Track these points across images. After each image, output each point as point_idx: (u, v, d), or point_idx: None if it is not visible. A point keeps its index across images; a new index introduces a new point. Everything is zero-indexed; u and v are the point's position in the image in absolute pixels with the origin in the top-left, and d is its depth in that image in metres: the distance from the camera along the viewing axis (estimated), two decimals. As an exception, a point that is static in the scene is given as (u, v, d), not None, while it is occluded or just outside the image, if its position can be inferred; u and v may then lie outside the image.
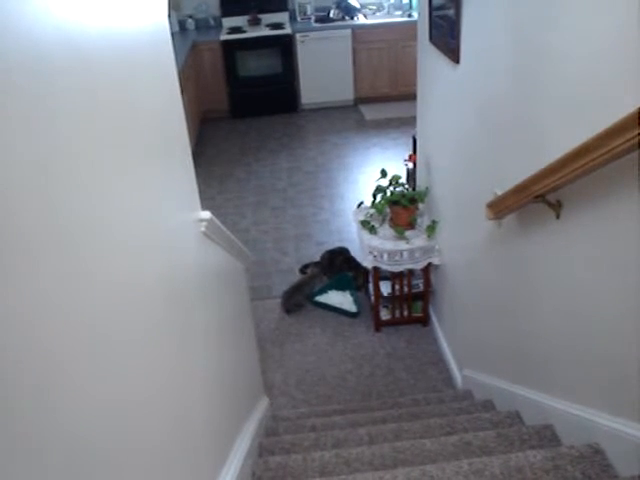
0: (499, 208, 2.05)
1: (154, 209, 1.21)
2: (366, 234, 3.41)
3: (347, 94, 7.18)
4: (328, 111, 7.17)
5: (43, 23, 0.78)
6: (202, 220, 1.65)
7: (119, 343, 0.96)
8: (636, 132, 1.20)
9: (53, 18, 0.80)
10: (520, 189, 1.83)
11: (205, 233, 1.68)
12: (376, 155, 6.01)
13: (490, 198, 2.15)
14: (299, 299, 3.98)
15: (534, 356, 2.10)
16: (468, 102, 2.50)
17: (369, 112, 7.03)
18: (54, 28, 0.81)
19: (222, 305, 2.00)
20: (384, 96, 7.14)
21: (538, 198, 1.75)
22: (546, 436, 1.88)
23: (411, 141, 4.45)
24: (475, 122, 2.43)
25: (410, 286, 3.56)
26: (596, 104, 1.46)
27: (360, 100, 7.22)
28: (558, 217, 1.74)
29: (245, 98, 7.06)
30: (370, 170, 5.59)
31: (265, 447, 2.23)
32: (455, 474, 1.64)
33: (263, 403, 2.76)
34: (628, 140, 1.23)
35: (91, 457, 0.82)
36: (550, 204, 1.74)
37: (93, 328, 0.85)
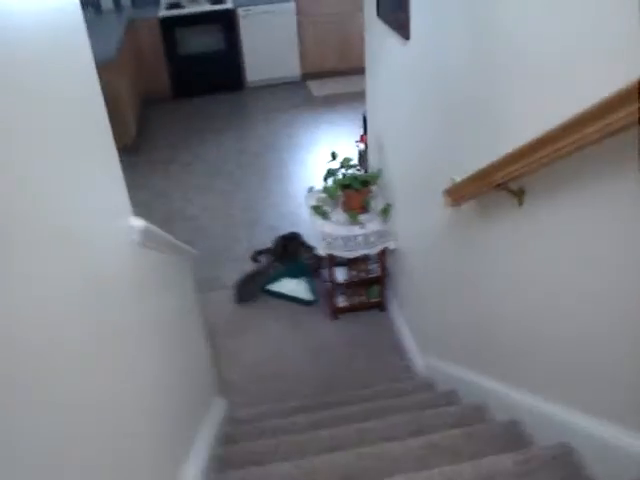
0: (457, 195, 1.94)
1: (64, 218, 1.04)
2: (318, 220, 3.27)
3: (294, 70, 6.96)
4: (275, 88, 6.93)
5: None
6: (133, 228, 1.47)
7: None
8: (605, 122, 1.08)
9: None
10: (480, 177, 1.71)
11: (137, 241, 1.50)
12: (326, 133, 5.84)
13: (447, 181, 2.02)
14: (253, 289, 3.82)
15: (498, 346, 2.01)
16: (420, 81, 2.36)
17: (317, 88, 6.83)
18: None
19: (161, 307, 1.83)
20: (333, 71, 6.94)
21: (499, 186, 1.64)
22: (516, 433, 1.80)
23: (361, 118, 4.31)
24: (428, 102, 2.30)
25: (367, 271, 3.45)
26: (559, 86, 1.35)
27: (308, 76, 7.00)
28: (521, 204, 1.64)
29: (187, 77, 6.74)
30: (320, 149, 5.44)
31: (223, 458, 2.10)
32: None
33: (219, 406, 2.61)
34: (598, 130, 1.12)
35: None
36: (512, 191, 1.63)
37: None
